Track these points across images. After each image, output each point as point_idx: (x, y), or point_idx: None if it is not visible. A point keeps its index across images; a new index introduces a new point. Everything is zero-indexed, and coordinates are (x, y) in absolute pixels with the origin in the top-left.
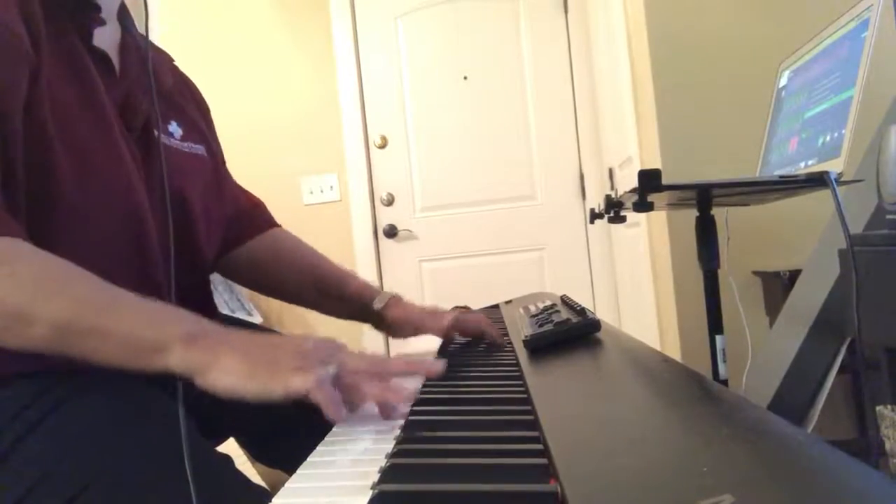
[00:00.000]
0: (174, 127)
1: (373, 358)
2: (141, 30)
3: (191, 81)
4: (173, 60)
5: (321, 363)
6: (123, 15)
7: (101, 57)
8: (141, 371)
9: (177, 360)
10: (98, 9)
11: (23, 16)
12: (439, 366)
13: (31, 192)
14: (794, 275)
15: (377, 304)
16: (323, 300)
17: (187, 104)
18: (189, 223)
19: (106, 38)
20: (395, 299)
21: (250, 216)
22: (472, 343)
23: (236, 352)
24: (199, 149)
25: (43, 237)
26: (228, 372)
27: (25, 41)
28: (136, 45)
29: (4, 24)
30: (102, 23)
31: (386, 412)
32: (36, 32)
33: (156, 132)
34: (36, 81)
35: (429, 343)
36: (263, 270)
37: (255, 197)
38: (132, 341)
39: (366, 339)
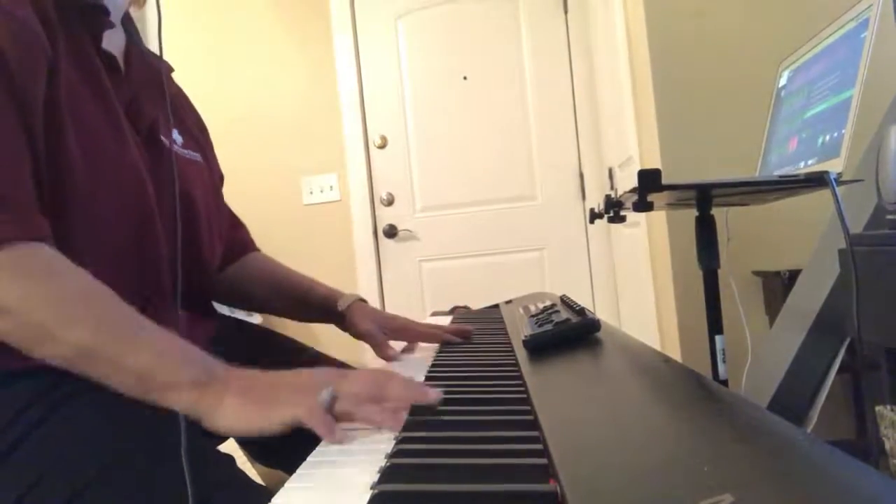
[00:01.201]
0: (175, 134)
1: (373, 380)
2: (145, 38)
3: (187, 96)
4: (173, 70)
5: (316, 391)
6: (128, 23)
7: (110, 60)
8: (150, 403)
9: (184, 404)
10: (107, 12)
11: (39, 15)
12: (437, 395)
13: (47, 188)
14: (794, 275)
15: (341, 306)
16: (292, 308)
17: (186, 115)
18: (194, 226)
19: (113, 42)
20: (358, 303)
21: (232, 240)
22: (471, 343)
23: (238, 396)
24: (197, 156)
25: (55, 233)
26: (230, 416)
27: (43, 38)
28: (141, 52)
29: (22, 20)
30: (112, 25)
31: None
32: (51, 32)
33: (163, 138)
34: (53, 76)
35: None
36: (238, 291)
37: (237, 217)
38: (144, 378)
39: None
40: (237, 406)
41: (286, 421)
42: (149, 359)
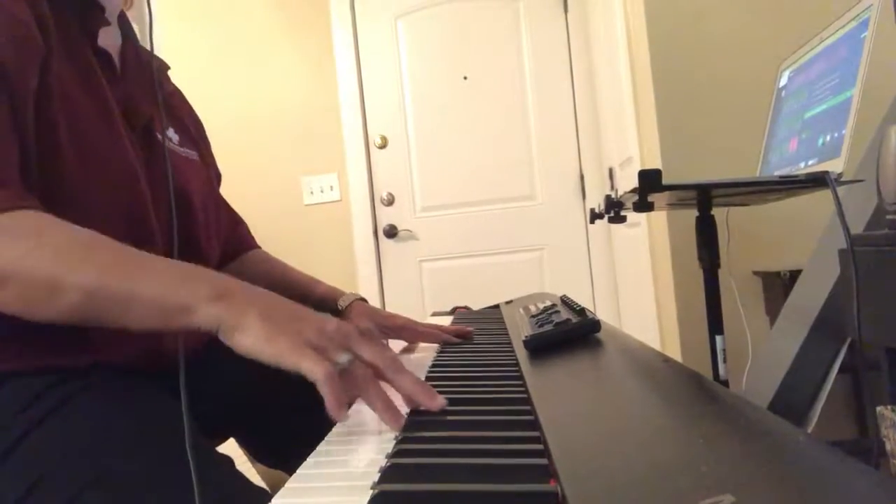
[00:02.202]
0: (171, 132)
1: (392, 360)
2: (140, 35)
3: (184, 95)
4: (169, 68)
5: (338, 349)
6: (123, 22)
7: (105, 57)
8: (171, 329)
9: (203, 318)
10: (102, 9)
11: (32, 11)
12: (442, 403)
13: (37, 181)
14: (794, 275)
15: (341, 305)
16: None
17: (182, 113)
18: (191, 222)
19: (109, 40)
20: (358, 302)
21: (231, 237)
22: (470, 343)
23: (261, 314)
24: (194, 154)
25: None
26: (251, 334)
27: (35, 32)
28: (137, 50)
29: (14, 14)
30: (107, 23)
31: (387, 420)
32: (45, 27)
33: (159, 135)
34: (45, 72)
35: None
36: None
37: (237, 215)
38: (160, 303)
39: None
40: (258, 326)
41: (301, 370)
42: (160, 283)
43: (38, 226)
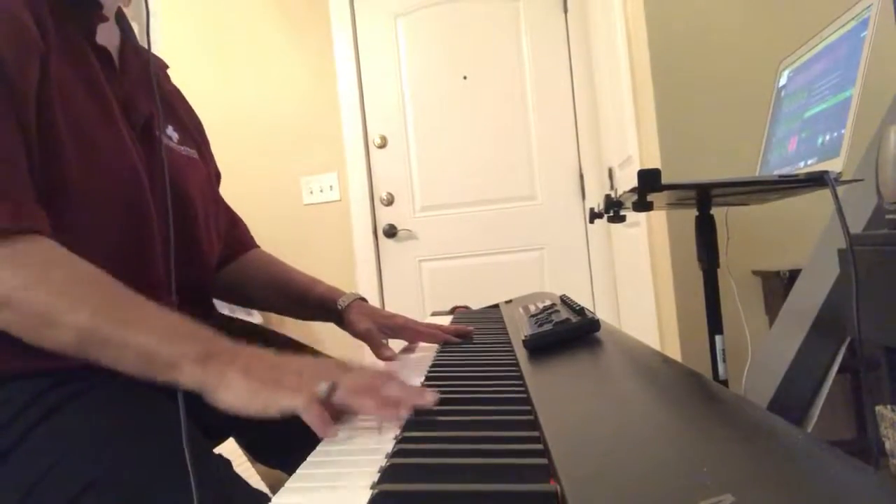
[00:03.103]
0: (171, 130)
1: (373, 377)
2: (139, 35)
3: (183, 94)
4: (168, 67)
5: (317, 381)
6: (122, 20)
7: (104, 54)
8: (154, 382)
9: (187, 378)
10: (100, 6)
11: (30, 9)
12: (433, 397)
13: (39, 179)
14: (794, 275)
15: (340, 304)
16: (291, 306)
17: (182, 112)
18: (190, 220)
19: (106, 38)
20: (358, 302)
21: (231, 238)
22: (470, 342)
23: (241, 372)
24: (194, 153)
25: (49, 225)
26: (233, 393)
27: (34, 30)
28: (135, 48)
29: (11, 13)
30: (105, 19)
31: (386, 417)
32: (43, 25)
33: (158, 134)
34: (45, 70)
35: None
36: (238, 288)
37: (236, 215)
38: (148, 355)
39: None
40: (240, 385)
41: (283, 409)
42: (151, 336)
43: (45, 257)
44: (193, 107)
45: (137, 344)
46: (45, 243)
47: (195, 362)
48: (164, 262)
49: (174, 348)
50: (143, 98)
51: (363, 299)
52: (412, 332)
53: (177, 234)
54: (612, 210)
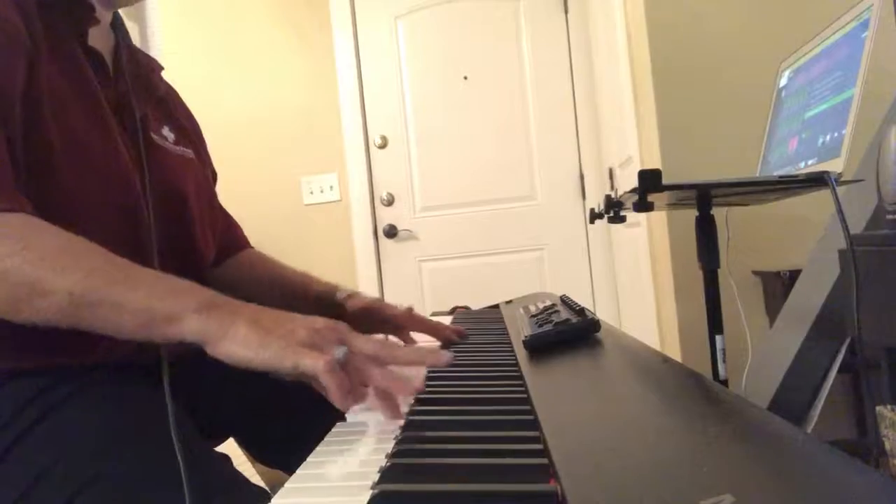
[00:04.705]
0: (166, 131)
1: (382, 342)
2: (140, 38)
3: (178, 95)
4: (163, 69)
5: (333, 343)
6: (117, 24)
7: (96, 56)
8: (155, 340)
9: (190, 328)
10: (92, 8)
11: (18, 10)
12: (447, 356)
13: (28, 181)
14: (794, 275)
15: (339, 296)
16: (290, 303)
17: (178, 113)
18: (185, 222)
19: (100, 40)
20: (356, 293)
21: (226, 238)
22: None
23: (249, 322)
24: (190, 153)
25: None
26: (241, 341)
27: (22, 30)
28: (130, 50)
29: (0, 13)
30: (97, 22)
31: (389, 404)
32: (32, 26)
33: (153, 135)
34: (33, 71)
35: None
36: (234, 287)
37: (230, 217)
38: (146, 311)
39: None
40: (248, 333)
41: (301, 367)
42: (147, 293)
43: (27, 228)
44: (194, 107)
45: (135, 299)
46: (27, 217)
47: (197, 312)
48: (160, 262)
49: (174, 301)
50: (137, 100)
51: (359, 292)
52: (416, 321)
53: (172, 234)
54: (613, 210)
